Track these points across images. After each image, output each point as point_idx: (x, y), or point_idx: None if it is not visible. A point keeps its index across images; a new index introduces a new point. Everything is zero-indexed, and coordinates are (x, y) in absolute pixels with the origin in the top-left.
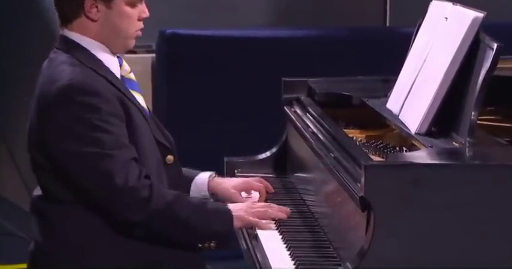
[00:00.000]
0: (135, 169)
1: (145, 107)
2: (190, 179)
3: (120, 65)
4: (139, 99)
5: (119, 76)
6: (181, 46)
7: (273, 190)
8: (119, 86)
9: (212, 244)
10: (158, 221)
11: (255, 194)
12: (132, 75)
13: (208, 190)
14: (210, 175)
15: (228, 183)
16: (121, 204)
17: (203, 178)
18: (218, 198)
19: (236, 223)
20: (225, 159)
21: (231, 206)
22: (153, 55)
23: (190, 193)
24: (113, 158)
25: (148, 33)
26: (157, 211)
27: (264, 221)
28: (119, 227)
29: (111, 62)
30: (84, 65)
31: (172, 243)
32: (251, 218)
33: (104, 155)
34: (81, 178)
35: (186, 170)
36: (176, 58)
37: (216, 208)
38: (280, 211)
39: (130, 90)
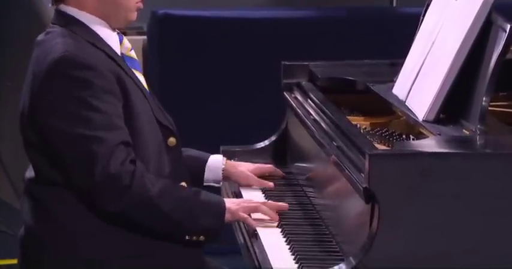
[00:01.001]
0: (121, 153)
1: (146, 88)
2: (202, 162)
3: (121, 42)
4: (141, 78)
5: (119, 53)
6: (174, 28)
7: (282, 173)
8: (119, 62)
9: (201, 237)
10: (137, 212)
11: (257, 193)
12: (133, 54)
13: (223, 172)
14: (223, 158)
15: (244, 166)
16: (98, 192)
17: (217, 161)
18: (230, 182)
19: (227, 216)
20: (221, 148)
21: (226, 201)
22: (144, 37)
23: (205, 177)
24: (100, 141)
25: (139, 14)
26: (135, 202)
27: (260, 217)
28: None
29: (110, 38)
30: (81, 38)
31: (157, 235)
32: (241, 213)
33: (91, 137)
34: (64, 159)
35: (194, 151)
36: (169, 40)
37: (207, 200)
38: (276, 208)
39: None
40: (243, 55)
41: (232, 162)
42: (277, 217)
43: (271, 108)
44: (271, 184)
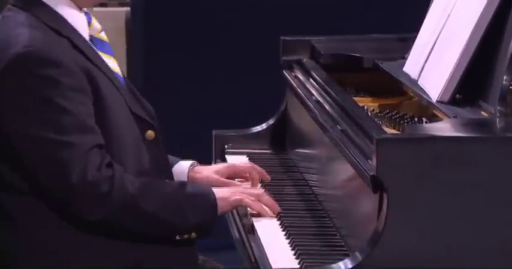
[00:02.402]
0: (96, 157)
1: (120, 73)
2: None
3: (89, 23)
4: (112, 64)
5: (87, 37)
6: None
7: (268, 178)
8: (86, 51)
9: (193, 235)
10: (120, 217)
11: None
12: (103, 35)
13: (188, 180)
14: (191, 164)
15: (210, 169)
16: (77, 202)
17: (182, 167)
18: None
19: (220, 205)
20: (214, 132)
21: (215, 189)
22: (128, 9)
23: None
24: (71, 146)
25: None
26: (117, 207)
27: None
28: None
29: (77, 19)
30: (45, 26)
31: (145, 239)
32: (236, 196)
33: (61, 142)
34: (32, 167)
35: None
36: (155, 13)
37: (194, 193)
38: (269, 205)
39: (100, 53)
40: (237, 29)
41: (198, 167)
42: (266, 213)
43: (269, 88)
44: (238, 183)
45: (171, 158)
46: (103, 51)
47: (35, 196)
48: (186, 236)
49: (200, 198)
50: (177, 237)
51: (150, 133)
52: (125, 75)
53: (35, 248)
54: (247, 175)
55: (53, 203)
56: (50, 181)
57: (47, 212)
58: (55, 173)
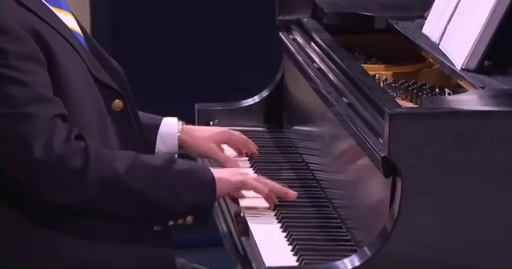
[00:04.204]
0: (61, 129)
1: (79, 31)
2: (153, 129)
3: None
4: (68, 20)
5: None
6: None
7: (257, 152)
8: (34, 7)
9: (189, 219)
10: (99, 199)
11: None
12: None
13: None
14: (178, 122)
15: (202, 132)
16: (44, 181)
17: (171, 127)
18: (187, 153)
19: (220, 184)
20: (196, 106)
21: (211, 168)
22: None
23: (156, 148)
24: (29, 118)
25: None
26: (96, 186)
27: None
28: (55, 215)
29: None
30: None
31: (130, 225)
32: (239, 177)
33: (17, 115)
34: None
35: (142, 115)
36: None
37: (189, 168)
38: (280, 192)
39: (53, 8)
40: None
41: (187, 127)
42: (275, 200)
43: (262, 54)
44: (235, 162)
45: (150, 116)
46: (56, 6)
47: None
48: (180, 220)
49: (196, 175)
50: (170, 222)
51: (118, 103)
52: (89, 34)
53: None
54: (240, 147)
55: (12, 194)
56: (9, 162)
57: (6, 213)
58: (15, 152)
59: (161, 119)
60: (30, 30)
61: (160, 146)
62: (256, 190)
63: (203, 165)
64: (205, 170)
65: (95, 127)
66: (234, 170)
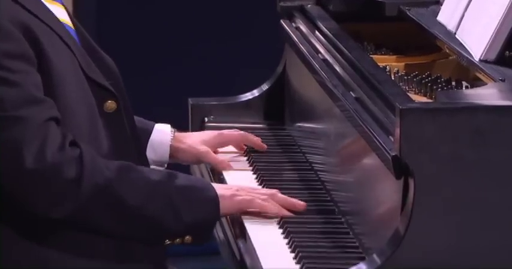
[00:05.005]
0: (55, 134)
1: (70, 25)
2: (145, 135)
3: None
4: (60, 13)
5: None
6: None
7: (265, 147)
8: (24, 1)
9: (187, 239)
10: (94, 212)
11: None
12: None
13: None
14: (172, 130)
15: (195, 138)
16: (36, 192)
17: (163, 134)
18: (179, 162)
19: (223, 203)
20: (190, 101)
21: (215, 185)
22: None
23: (147, 154)
24: (20, 121)
25: None
26: (89, 198)
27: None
28: (43, 227)
29: None
30: None
31: (126, 239)
32: (244, 195)
33: (7, 118)
34: None
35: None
36: None
37: (190, 184)
38: (288, 204)
39: (43, 1)
40: None
41: (180, 134)
42: (288, 213)
43: (262, 44)
44: (228, 164)
45: (142, 121)
46: None
47: None
48: (178, 240)
49: (197, 191)
50: (167, 241)
51: (110, 104)
52: (79, 26)
53: None
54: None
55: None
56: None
57: None
58: (4, 159)
59: (153, 125)
60: (19, 25)
61: (150, 154)
62: (264, 211)
63: (205, 181)
64: (208, 187)
65: (85, 129)
66: (240, 187)
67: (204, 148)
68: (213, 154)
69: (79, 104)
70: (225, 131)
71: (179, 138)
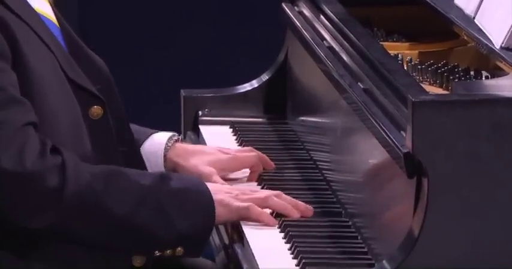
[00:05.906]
0: (33, 140)
1: (53, 20)
2: (138, 145)
3: None
4: (43, 6)
5: None
6: None
7: (273, 166)
8: None
9: (178, 250)
10: (78, 222)
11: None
12: None
13: (164, 166)
14: (170, 138)
15: (203, 157)
16: (14, 201)
17: (156, 145)
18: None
19: (219, 210)
20: (183, 92)
21: (209, 186)
22: None
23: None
24: None
25: None
26: (72, 207)
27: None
28: (23, 236)
29: None
30: None
31: (113, 250)
32: (241, 203)
33: None
34: None
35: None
36: None
37: (183, 188)
38: (296, 205)
39: None
40: None
41: (183, 146)
42: (297, 214)
43: (262, 30)
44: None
45: (137, 129)
46: None
47: None
48: (168, 251)
49: (191, 195)
50: (157, 252)
51: (96, 110)
52: (63, 23)
53: None
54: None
55: None
56: None
57: None
58: None
59: (150, 134)
60: None
61: (146, 164)
62: (261, 222)
63: (200, 182)
64: (202, 190)
65: (67, 135)
66: (240, 190)
67: (208, 170)
68: (216, 177)
69: (60, 108)
70: (240, 155)
71: (183, 153)
